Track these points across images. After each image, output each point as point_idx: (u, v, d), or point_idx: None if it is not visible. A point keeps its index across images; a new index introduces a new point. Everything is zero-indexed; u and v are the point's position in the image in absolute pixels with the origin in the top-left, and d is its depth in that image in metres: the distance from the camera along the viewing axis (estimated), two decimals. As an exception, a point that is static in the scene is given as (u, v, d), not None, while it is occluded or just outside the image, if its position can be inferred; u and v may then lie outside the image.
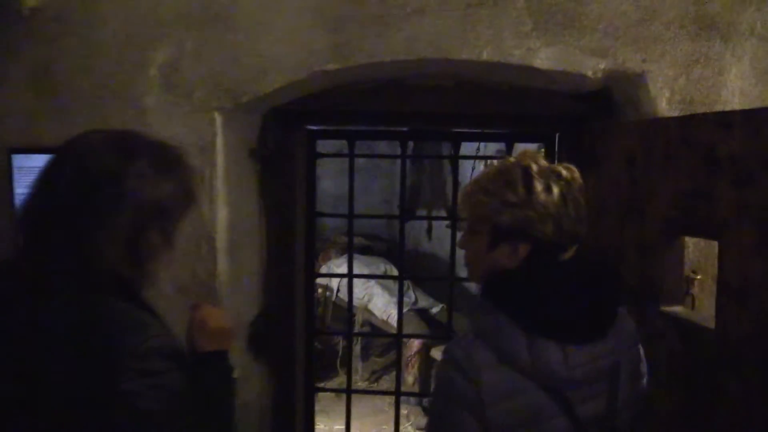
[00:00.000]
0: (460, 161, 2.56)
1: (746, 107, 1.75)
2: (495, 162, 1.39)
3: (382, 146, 6.60)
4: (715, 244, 1.50)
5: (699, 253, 1.83)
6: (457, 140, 2.45)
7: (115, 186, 1.02)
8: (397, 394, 2.67)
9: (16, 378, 0.95)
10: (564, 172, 1.23)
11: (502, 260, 1.24)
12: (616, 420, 1.21)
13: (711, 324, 1.51)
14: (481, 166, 5.58)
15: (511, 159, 1.30)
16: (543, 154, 2.28)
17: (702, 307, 1.79)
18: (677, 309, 1.68)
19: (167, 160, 1.12)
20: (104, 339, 0.94)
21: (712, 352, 1.48)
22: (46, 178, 1.06)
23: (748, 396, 1.37)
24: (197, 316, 1.25)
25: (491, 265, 1.26)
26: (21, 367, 0.96)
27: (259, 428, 2.29)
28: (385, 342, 6.03)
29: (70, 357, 0.93)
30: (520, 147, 2.20)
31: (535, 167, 1.24)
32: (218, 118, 1.93)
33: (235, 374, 1.30)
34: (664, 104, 1.83)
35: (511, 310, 1.17)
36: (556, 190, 1.20)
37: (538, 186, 1.20)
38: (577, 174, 1.24)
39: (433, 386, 1.24)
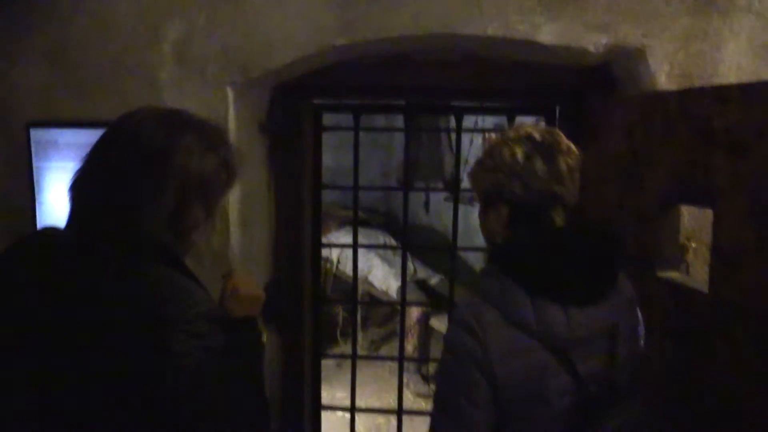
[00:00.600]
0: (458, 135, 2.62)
1: (743, 81, 1.82)
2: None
3: (380, 120, 6.64)
4: (710, 213, 1.58)
5: (694, 221, 1.91)
6: (460, 114, 2.50)
7: (164, 160, 1.07)
8: (401, 358, 2.77)
9: (75, 346, 0.99)
10: (536, 135, 1.31)
11: (492, 225, 1.34)
12: (614, 378, 1.29)
13: (704, 288, 1.59)
14: (479, 140, 5.65)
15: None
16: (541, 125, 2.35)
17: (696, 273, 1.88)
18: (673, 274, 1.77)
19: (212, 136, 1.15)
20: (156, 305, 0.99)
21: (705, 315, 1.57)
22: (99, 151, 1.11)
23: (737, 354, 1.46)
24: (230, 283, 1.31)
25: (489, 231, 1.36)
26: (80, 333, 1.00)
27: (269, 393, 2.38)
28: (384, 313, 6.14)
29: (126, 323, 0.98)
30: (521, 120, 2.26)
31: (512, 134, 1.34)
32: (230, 93, 1.98)
33: (264, 339, 1.38)
34: (664, 78, 1.89)
35: (515, 273, 1.24)
36: (520, 150, 1.28)
37: (506, 150, 1.30)
38: (558, 137, 1.31)
39: (443, 348, 1.30)
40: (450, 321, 1.31)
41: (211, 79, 1.97)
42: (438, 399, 1.29)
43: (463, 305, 1.30)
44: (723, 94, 1.51)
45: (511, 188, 1.28)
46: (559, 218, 1.30)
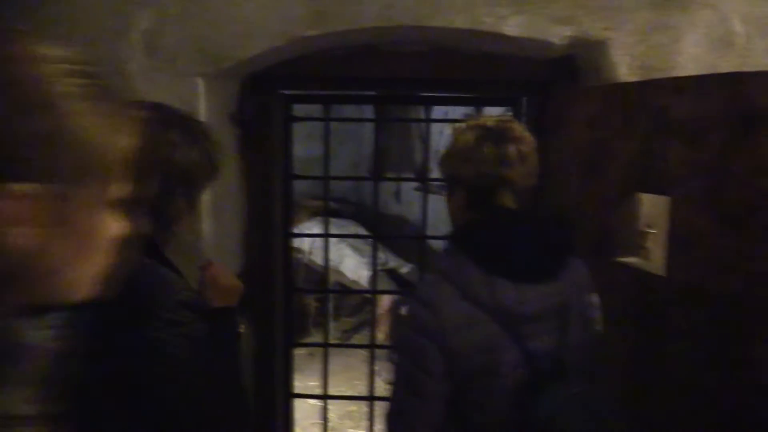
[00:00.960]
0: (428, 125, 2.66)
1: (700, 73, 1.89)
2: None
3: (350, 111, 6.65)
4: (666, 199, 1.65)
5: (653, 208, 1.98)
6: (429, 104, 2.54)
7: (147, 153, 1.10)
8: (372, 347, 2.81)
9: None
10: (489, 123, 1.39)
11: (453, 208, 1.44)
12: (564, 357, 1.36)
13: (662, 272, 1.67)
14: (449, 130, 5.71)
15: None
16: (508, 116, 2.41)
17: (654, 258, 1.96)
18: (632, 259, 1.84)
19: (194, 131, 1.19)
20: (139, 292, 1.02)
21: (662, 296, 1.64)
22: None
23: (693, 331, 1.54)
24: (209, 273, 1.35)
25: (452, 214, 1.46)
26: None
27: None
28: (355, 302, 6.18)
29: (107, 309, 1.01)
30: (489, 111, 2.31)
31: (471, 123, 1.43)
32: (201, 84, 1.98)
33: (241, 329, 1.41)
34: (624, 70, 1.95)
35: (471, 251, 1.32)
36: (472, 136, 1.37)
37: (461, 137, 1.40)
38: (510, 124, 1.39)
39: (400, 319, 1.36)
40: (408, 297, 1.37)
41: (182, 69, 1.97)
42: (395, 372, 1.36)
43: (421, 282, 1.41)
44: (679, 85, 1.57)
45: (464, 172, 1.37)
46: (508, 201, 1.38)
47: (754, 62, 1.93)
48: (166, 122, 1.15)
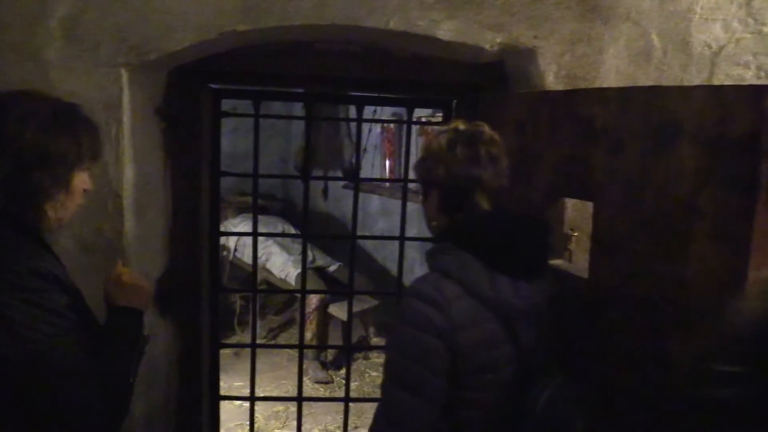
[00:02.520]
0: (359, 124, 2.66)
1: (620, 84, 1.98)
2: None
3: (278, 107, 6.56)
4: (590, 205, 1.72)
5: (576, 213, 2.06)
6: (361, 104, 2.54)
7: None
8: (300, 347, 2.79)
9: None
10: (461, 126, 1.46)
11: (429, 210, 1.48)
12: (540, 350, 1.48)
13: (585, 274, 1.73)
14: (377, 129, 5.73)
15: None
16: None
17: (578, 260, 2.03)
18: (557, 262, 1.90)
19: (61, 112, 1.24)
20: None
21: (586, 298, 1.71)
22: None
23: (612, 331, 1.61)
24: (115, 271, 1.39)
25: (428, 216, 1.50)
26: None
27: (166, 384, 2.33)
28: (282, 300, 6.11)
29: None
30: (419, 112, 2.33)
31: (444, 128, 1.49)
32: (124, 75, 1.90)
33: (145, 331, 1.40)
34: (552, 78, 2.02)
35: (473, 248, 1.35)
36: (444, 139, 1.43)
37: (434, 141, 1.45)
38: (481, 128, 1.46)
39: (398, 316, 1.38)
40: (407, 296, 1.38)
41: (104, 59, 1.88)
42: (393, 371, 1.36)
43: (421, 281, 1.39)
44: (604, 95, 1.64)
45: (437, 173, 1.41)
46: (483, 202, 1.44)
47: (670, 76, 2.03)
48: (22, 101, 1.21)
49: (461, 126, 1.46)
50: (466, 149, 1.40)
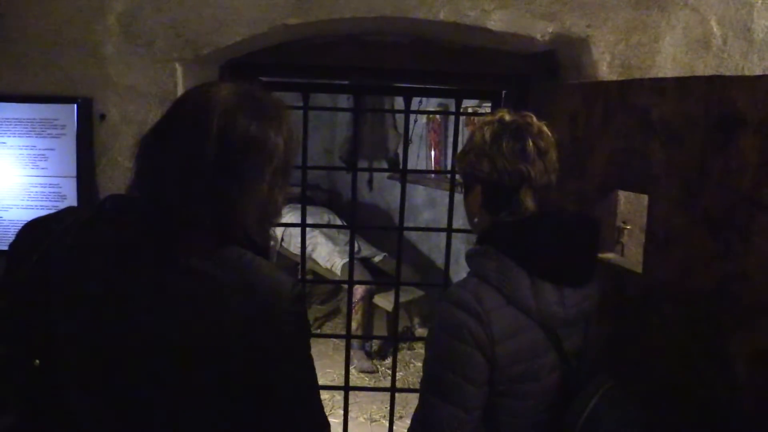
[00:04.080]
0: (401, 114, 2.65)
1: (677, 74, 1.92)
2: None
3: (324, 98, 6.60)
4: (643, 197, 1.68)
5: (629, 205, 2.02)
6: (409, 96, 2.53)
7: (259, 151, 0.99)
8: (348, 336, 2.81)
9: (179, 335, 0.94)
10: (506, 117, 1.36)
11: (470, 206, 1.39)
12: (587, 354, 1.40)
13: (638, 269, 1.70)
14: (422, 120, 5.71)
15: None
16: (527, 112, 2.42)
17: (630, 254, 1.99)
18: (610, 256, 1.87)
19: (284, 119, 1.07)
20: (264, 287, 0.96)
21: (639, 293, 1.68)
22: (187, 136, 0.98)
23: (666, 327, 1.58)
24: None
25: (469, 212, 1.42)
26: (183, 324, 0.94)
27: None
28: (326, 290, 6.17)
29: (239, 308, 0.94)
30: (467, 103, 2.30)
31: (486, 119, 1.39)
32: (179, 69, 1.94)
33: None
34: (605, 68, 1.98)
35: (516, 254, 1.27)
36: (488, 131, 1.33)
37: (478, 133, 1.36)
38: (528, 119, 1.35)
39: (436, 323, 1.32)
40: (445, 302, 1.31)
41: (159, 54, 1.93)
42: (431, 380, 1.31)
43: (460, 287, 1.31)
44: (660, 85, 1.59)
45: (481, 167, 1.33)
46: (529, 199, 1.34)
47: (729, 64, 1.97)
48: (269, 114, 1.05)
49: (507, 117, 1.36)
50: (513, 142, 1.30)
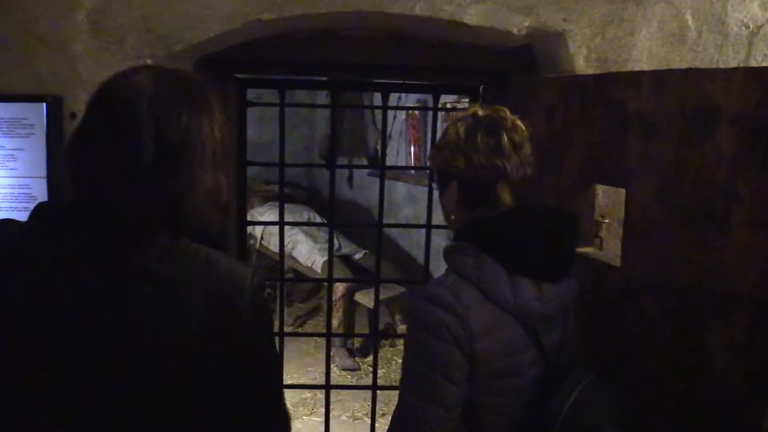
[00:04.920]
0: (380, 110, 2.63)
1: (653, 67, 1.93)
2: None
3: (302, 95, 6.56)
4: (621, 191, 1.68)
5: (607, 199, 2.02)
6: (387, 91, 2.51)
7: (196, 141, 0.96)
8: (328, 335, 2.79)
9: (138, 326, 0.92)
10: (480, 112, 1.35)
11: (447, 203, 1.38)
12: (564, 349, 1.40)
13: (617, 262, 1.70)
14: (401, 116, 5.70)
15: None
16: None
17: (608, 248, 2.00)
18: (588, 250, 1.87)
19: (213, 102, 1.03)
20: (223, 281, 0.95)
21: (617, 287, 1.68)
22: (110, 132, 0.93)
23: (645, 320, 1.58)
24: None
25: (446, 209, 1.40)
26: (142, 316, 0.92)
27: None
28: (307, 288, 6.14)
29: (200, 306, 0.93)
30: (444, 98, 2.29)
31: (459, 114, 1.38)
32: (151, 66, 1.90)
33: None
34: (582, 62, 1.97)
35: (493, 250, 1.26)
36: (463, 127, 1.32)
37: (452, 128, 1.34)
38: (502, 113, 1.34)
39: (413, 320, 1.31)
40: (423, 299, 1.29)
41: (130, 51, 1.88)
42: (410, 378, 1.29)
43: (437, 284, 1.30)
44: (637, 79, 1.59)
45: (456, 163, 1.31)
46: (506, 194, 1.34)
47: (704, 57, 1.98)
48: (198, 97, 1.01)
49: (480, 112, 1.34)
50: (488, 137, 1.29)
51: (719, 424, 1.43)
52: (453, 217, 1.40)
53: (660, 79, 1.53)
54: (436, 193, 2.56)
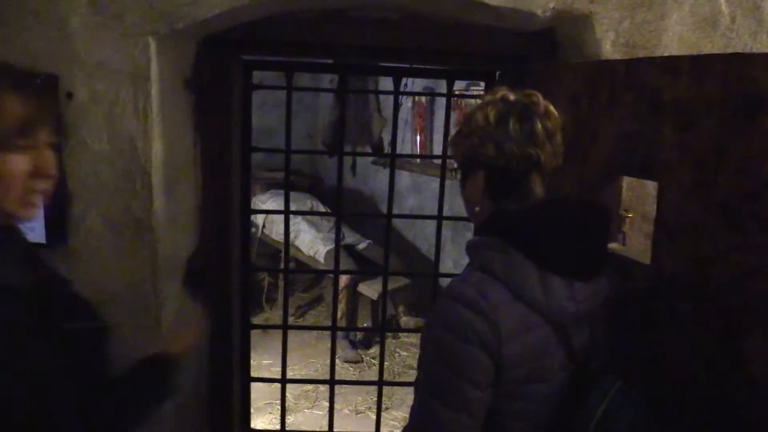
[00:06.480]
0: (385, 97, 2.53)
1: (684, 53, 1.82)
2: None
3: (305, 79, 6.43)
4: (647, 184, 1.58)
5: (631, 192, 1.92)
6: (397, 75, 2.41)
7: None
8: (333, 329, 2.71)
9: None
10: (511, 97, 1.25)
11: (470, 193, 1.28)
12: (594, 351, 1.32)
13: (645, 260, 1.60)
14: (408, 103, 5.58)
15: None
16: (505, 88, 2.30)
17: (631, 243, 1.90)
18: (613, 245, 1.77)
19: None
20: None
21: (646, 286, 1.58)
22: None
23: (676, 322, 1.48)
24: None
25: (468, 200, 1.30)
26: None
27: (197, 365, 2.26)
28: (309, 278, 6.06)
29: None
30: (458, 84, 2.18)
31: (487, 98, 1.28)
32: (152, 44, 1.79)
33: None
34: (609, 47, 1.87)
35: (523, 246, 1.17)
36: (493, 112, 1.22)
37: (480, 113, 1.24)
38: (535, 98, 1.25)
39: (435, 320, 1.22)
40: (447, 298, 1.20)
41: (131, 28, 1.77)
42: (432, 382, 1.20)
43: (463, 281, 1.21)
44: (673, 65, 1.48)
45: (485, 151, 1.21)
46: (538, 185, 1.25)
47: (738, 44, 1.87)
48: None
49: (511, 96, 1.25)
50: (521, 124, 1.20)
51: (756, 434, 1.34)
52: (477, 209, 1.30)
53: (700, 64, 1.42)
54: (447, 184, 2.47)
